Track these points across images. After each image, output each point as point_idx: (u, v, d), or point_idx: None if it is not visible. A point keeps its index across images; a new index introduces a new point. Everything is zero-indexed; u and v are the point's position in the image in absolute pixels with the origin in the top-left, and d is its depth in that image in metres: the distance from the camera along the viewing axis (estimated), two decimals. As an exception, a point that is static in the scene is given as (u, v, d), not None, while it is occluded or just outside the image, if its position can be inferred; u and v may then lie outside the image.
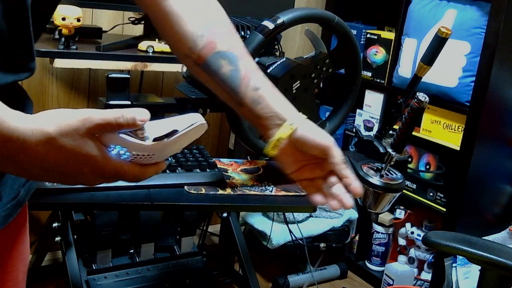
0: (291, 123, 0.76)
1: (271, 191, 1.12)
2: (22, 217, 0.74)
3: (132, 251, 1.78)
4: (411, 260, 2.25)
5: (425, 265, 2.21)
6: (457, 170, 1.93)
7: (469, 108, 1.89)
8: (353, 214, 2.34)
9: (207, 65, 0.80)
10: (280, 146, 0.77)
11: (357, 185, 0.76)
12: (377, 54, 2.27)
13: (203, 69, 0.81)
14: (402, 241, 2.30)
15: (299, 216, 2.15)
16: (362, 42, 2.33)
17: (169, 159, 1.12)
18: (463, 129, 1.92)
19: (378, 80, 2.28)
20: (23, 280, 0.75)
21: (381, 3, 2.43)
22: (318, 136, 0.76)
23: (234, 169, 1.21)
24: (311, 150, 0.76)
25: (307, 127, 0.76)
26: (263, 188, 1.12)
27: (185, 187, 1.04)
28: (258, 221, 2.17)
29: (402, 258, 2.20)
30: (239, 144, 2.11)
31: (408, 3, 2.11)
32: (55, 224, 1.67)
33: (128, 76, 1.13)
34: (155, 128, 0.60)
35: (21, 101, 0.69)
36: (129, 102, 1.13)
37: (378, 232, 2.35)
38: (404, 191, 1.47)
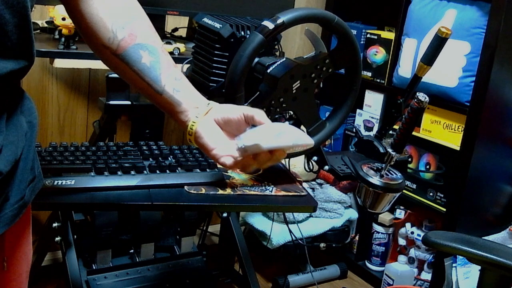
0: (206, 105, 0.89)
1: (271, 191, 1.12)
2: (26, 218, 0.74)
3: (132, 251, 1.78)
4: (411, 260, 2.25)
5: (425, 265, 2.21)
6: (457, 170, 1.93)
7: (469, 108, 1.89)
8: (353, 214, 2.34)
9: (127, 55, 0.84)
10: (196, 129, 0.88)
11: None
12: (377, 54, 2.27)
13: (122, 60, 0.84)
14: (402, 241, 2.30)
15: (299, 216, 2.15)
16: (362, 42, 2.33)
17: (169, 158, 1.12)
18: (463, 129, 1.92)
19: (378, 80, 2.28)
20: (25, 280, 0.76)
21: (381, 3, 2.43)
22: (234, 110, 0.89)
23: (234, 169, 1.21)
24: (234, 124, 0.89)
25: (221, 107, 0.90)
26: (263, 188, 1.12)
27: (185, 187, 1.04)
28: (258, 221, 2.17)
29: (402, 258, 2.20)
30: (239, 144, 2.11)
31: (408, 3, 2.11)
32: (55, 224, 1.67)
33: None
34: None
35: (17, 99, 0.68)
36: (129, 102, 1.13)
37: (378, 232, 2.35)
38: (404, 191, 1.47)
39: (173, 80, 0.86)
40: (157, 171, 1.06)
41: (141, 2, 0.88)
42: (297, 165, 1.75)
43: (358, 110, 2.38)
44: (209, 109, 0.89)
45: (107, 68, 0.90)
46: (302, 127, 1.19)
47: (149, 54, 0.84)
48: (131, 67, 0.84)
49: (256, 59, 1.12)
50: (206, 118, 0.88)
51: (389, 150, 1.17)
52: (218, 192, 1.05)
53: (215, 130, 0.88)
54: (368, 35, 2.31)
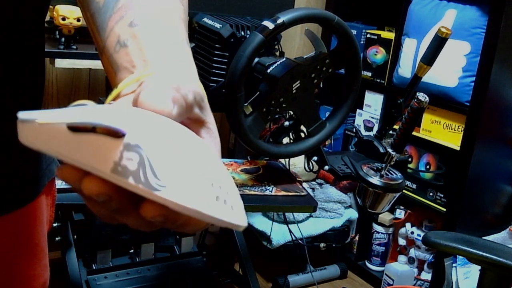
0: (125, 81, 0.44)
1: (271, 191, 1.12)
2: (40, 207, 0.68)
3: (132, 251, 1.78)
4: (411, 260, 2.25)
5: (425, 265, 2.21)
6: (457, 170, 1.93)
7: (469, 108, 1.89)
8: (353, 214, 2.34)
9: None
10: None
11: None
12: (377, 54, 2.27)
13: (79, 2, 0.54)
14: (402, 241, 2.30)
15: (299, 216, 2.15)
16: (362, 42, 2.33)
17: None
18: (463, 129, 1.92)
19: (378, 80, 2.28)
20: (45, 246, 0.73)
21: (381, 3, 2.43)
22: (158, 102, 0.38)
23: (234, 169, 1.21)
24: None
25: (150, 90, 0.39)
26: (263, 188, 1.12)
27: (185, 187, 1.05)
28: (258, 221, 2.17)
29: (402, 258, 2.20)
30: (239, 144, 2.12)
31: (408, 3, 2.11)
32: (55, 224, 1.67)
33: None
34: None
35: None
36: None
37: (378, 232, 2.35)
38: (404, 191, 1.47)
39: (121, 28, 0.47)
40: (157, 171, 1.06)
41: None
42: (297, 165, 1.75)
43: (358, 110, 2.38)
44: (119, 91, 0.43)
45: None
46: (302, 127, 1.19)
47: None
48: (85, 13, 0.53)
49: (256, 59, 1.13)
50: (122, 102, 0.43)
51: (389, 150, 1.17)
52: (218, 192, 1.06)
53: None
54: (368, 35, 2.31)
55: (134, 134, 0.33)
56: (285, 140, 1.21)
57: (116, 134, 0.33)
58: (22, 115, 0.35)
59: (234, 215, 0.35)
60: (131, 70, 0.44)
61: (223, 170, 0.36)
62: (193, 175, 0.33)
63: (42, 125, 0.34)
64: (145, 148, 0.32)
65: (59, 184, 0.94)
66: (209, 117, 0.43)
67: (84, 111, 0.35)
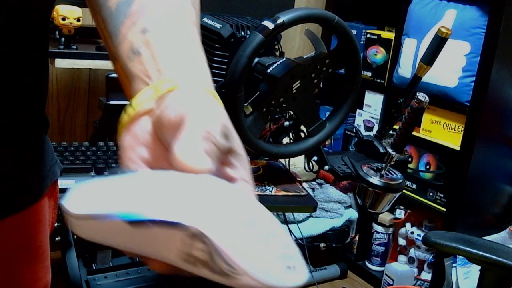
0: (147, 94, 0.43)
1: (271, 191, 1.12)
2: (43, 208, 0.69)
3: (132, 251, 1.78)
4: (411, 260, 2.25)
5: (425, 265, 2.21)
6: (457, 170, 1.93)
7: (469, 108, 1.89)
8: (353, 214, 2.34)
9: None
10: (126, 127, 0.43)
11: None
12: (377, 54, 2.27)
13: (91, 7, 0.54)
14: (402, 241, 2.30)
15: (299, 216, 2.15)
16: (362, 42, 2.33)
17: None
18: (463, 129, 1.92)
19: (378, 80, 2.28)
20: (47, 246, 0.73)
21: (381, 3, 2.43)
22: (195, 162, 0.37)
23: (234, 169, 1.21)
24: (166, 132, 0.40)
25: (181, 148, 0.37)
26: (263, 188, 1.12)
27: (185, 187, 1.04)
28: (258, 221, 2.17)
29: (402, 258, 2.20)
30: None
31: (408, 3, 2.11)
32: (55, 224, 1.67)
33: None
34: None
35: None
36: (128, 102, 1.13)
37: (378, 232, 2.35)
38: (404, 191, 1.47)
39: (134, 35, 0.46)
40: (157, 171, 1.06)
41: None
42: (297, 165, 1.75)
43: (358, 110, 2.38)
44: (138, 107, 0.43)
45: (107, 68, 0.88)
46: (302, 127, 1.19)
47: None
48: (96, 16, 0.53)
49: (256, 59, 1.13)
50: (142, 126, 0.42)
51: (389, 150, 1.17)
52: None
53: (143, 143, 0.41)
54: (368, 35, 2.31)
55: (194, 220, 0.33)
56: (285, 140, 1.21)
57: (178, 224, 0.33)
58: (71, 208, 0.36)
59: (301, 275, 0.34)
60: (146, 81, 0.44)
61: (275, 221, 0.36)
62: (261, 250, 0.33)
63: (99, 222, 0.35)
64: (210, 235, 0.33)
65: (61, 184, 0.94)
66: (236, 142, 0.42)
67: (132, 193, 0.35)
